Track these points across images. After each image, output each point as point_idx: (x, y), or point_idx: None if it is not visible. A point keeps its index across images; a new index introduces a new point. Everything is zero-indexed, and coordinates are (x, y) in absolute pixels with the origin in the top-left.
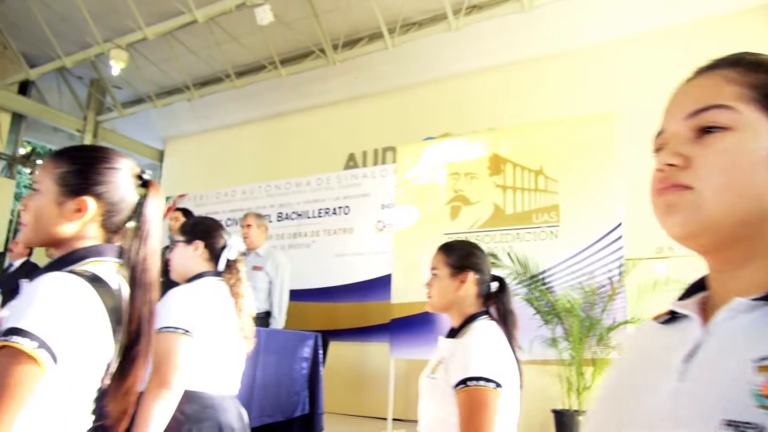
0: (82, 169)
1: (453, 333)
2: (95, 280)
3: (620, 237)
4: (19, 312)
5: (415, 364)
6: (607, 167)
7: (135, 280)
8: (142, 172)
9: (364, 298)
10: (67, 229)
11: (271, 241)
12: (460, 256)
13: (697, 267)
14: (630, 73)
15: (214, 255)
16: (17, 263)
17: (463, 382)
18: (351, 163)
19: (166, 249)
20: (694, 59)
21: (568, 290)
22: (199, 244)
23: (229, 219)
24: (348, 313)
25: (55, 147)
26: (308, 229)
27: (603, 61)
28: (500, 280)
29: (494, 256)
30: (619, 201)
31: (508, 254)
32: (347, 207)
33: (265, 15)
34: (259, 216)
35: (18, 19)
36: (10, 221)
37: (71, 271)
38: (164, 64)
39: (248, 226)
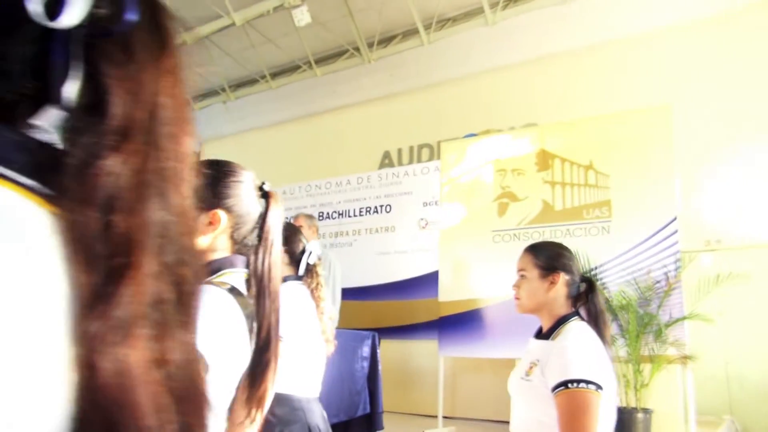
0: (212, 183)
1: (544, 334)
2: (234, 291)
3: (675, 231)
4: None
5: (463, 361)
6: (659, 160)
7: (262, 290)
8: (263, 183)
9: (409, 296)
10: (201, 241)
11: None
12: (550, 257)
13: (751, 259)
14: (678, 63)
15: (294, 259)
16: None
17: (564, 384)
18: (386, 161)
19: None
20: (746, 48)
21: (623, 286)
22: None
23: None
24: (393, 311)
25: None
26: (349, 228)
27: (649, 51)
28: (589, 280)
29: None
30: (673, 195)
31: None
32: (389, 205)
33: (302, 16)
34: (309, 216)
35: None
36: None
37: (210, 283)
38: (200, 67)
39: (300, 226)
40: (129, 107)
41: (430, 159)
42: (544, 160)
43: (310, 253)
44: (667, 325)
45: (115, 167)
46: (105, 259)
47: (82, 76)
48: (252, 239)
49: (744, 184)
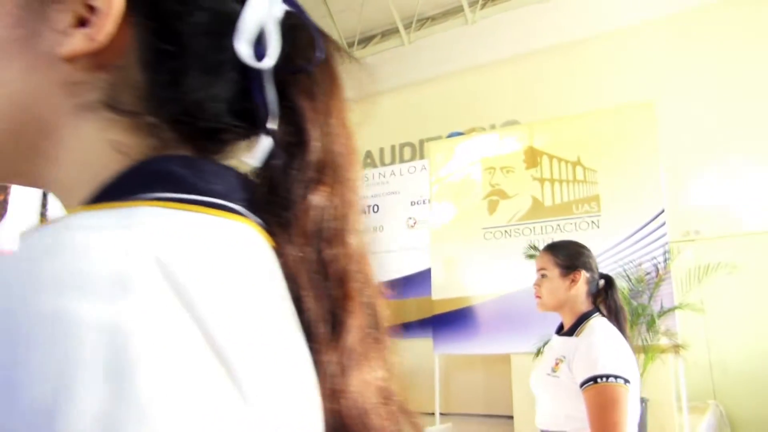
0: None
1: (567, 331)
2: None
3: (663, 223)
4: None
5: (456, 358)
6: (645, 154)
7: None
8: None
9: (400, 295)
10: None
11: None
12: (570, 256)
13: (733, 247)
14: (662, 57)
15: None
16: None
17: (593, 379)
18: (368, 160)
19: None
20: (729, 41)
21: (614, 279)
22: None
23: None
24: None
25: None
26: None
27: (631, 46)
28: (608, 277)
29: (535, 248)
30: (659, 187)
31: None
32: (376, 205)
33: None
34: None
35: None
36: None
37: None
38: None
39: None
40: (324, 140)
41: (413, 158)
42: (533, 157)
43: None
44: (660, 315)
45: (321, 201)
46: (327, 291)
47: (281, 113)
48: None
49: (730, 175)
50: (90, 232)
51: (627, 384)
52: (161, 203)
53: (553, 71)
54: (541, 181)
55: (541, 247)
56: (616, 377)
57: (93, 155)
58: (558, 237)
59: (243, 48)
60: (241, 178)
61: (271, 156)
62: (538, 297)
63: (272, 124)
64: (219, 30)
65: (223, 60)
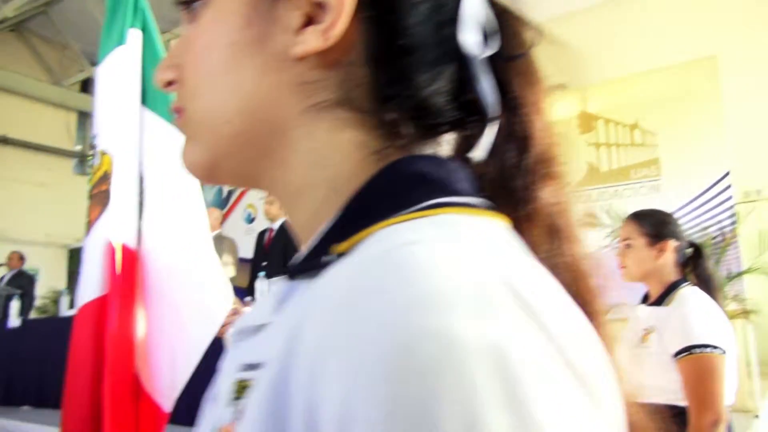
0: None
1: (655, 301)
2: None
3: (729, 186)
4: None
5: None
6: (708, 114)
7: None
8: None
9: None
10: None
11: None
12: (657, 225)
13: None
14: (725, 9)
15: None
16: None
17: (688, 349)
18: None
19: (264, 233)
20: None
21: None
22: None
23: None
24: None
25: None
26: None
27: (692, 1)
28: (696, 245)
29: (592, 215)
30: (724, 148)
31: (607, 212)
32: None
33: None
34: None
35: (76, 17)
36: None
37: None
38: None
39: None
40: (545, 130)
41: None
42: (587, 122)
43: None
44: (728, 280)
45: (553, 195)
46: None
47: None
48: None
49: None
50: (427, 247)
51: (723, 354)
52: (452, 209)
53: (606, 30)
54: (597, 146)
55: (599, 214)
56: (712, 347)
57: (326, 156)
58: (616, 203)
59: (467, 37)
60: (466, 170)
61: (495, 149)
62: (623, 267)
63: (494, 115)
64: (440, 21)
65: (445, 51)
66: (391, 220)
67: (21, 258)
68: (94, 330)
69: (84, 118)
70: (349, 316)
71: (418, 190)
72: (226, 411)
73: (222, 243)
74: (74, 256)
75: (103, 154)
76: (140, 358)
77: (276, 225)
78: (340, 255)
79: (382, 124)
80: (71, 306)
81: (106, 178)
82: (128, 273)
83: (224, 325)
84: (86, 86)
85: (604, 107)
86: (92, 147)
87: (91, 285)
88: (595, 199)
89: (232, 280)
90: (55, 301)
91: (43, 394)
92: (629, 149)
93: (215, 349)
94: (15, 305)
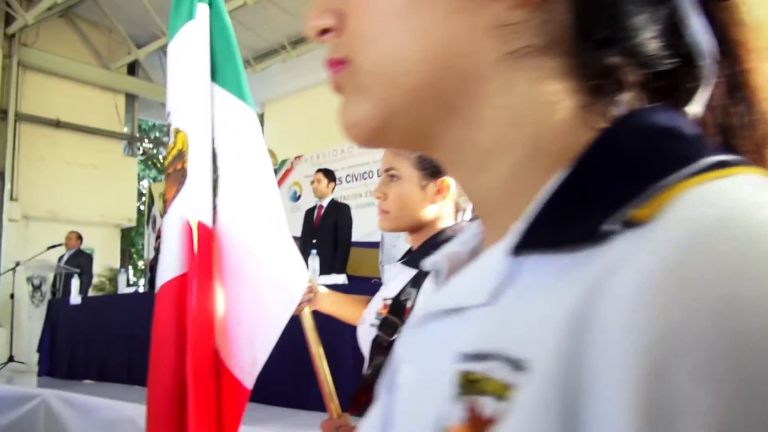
0: None
1: None
2: None
3: None
4: None
5: None
6: None
7: None
8: None
9: None
10: (430, 211)
11: None
12: None
13: None
14: None
15: None
16: None
17: None
18: None
19: (312, 210)
20: None
21: None
22: None
23: (348, 175)
24: None
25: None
26: None
27: None
28: None
29: None
30: None
31: None
32: None
33: None
34: None
35: (122, 1)
36: (141, 195)
37: None
38: (259, 27)
39: None
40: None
41: None
42: None
43: None
44: None
45: None
46: None
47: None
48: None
49: None
50: None
51: None
52: (744, 169)
53: None
54: None
55: None
56: None
57: (526, 112)
58: None
59: None
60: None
61: (712, 103)
62: None
63: (711, 63)
64: None
65: None
66: (690, 180)
67: (79, 237)
68: (175, 308)
69: (131, 100)
70: (714, 305)
71: (687, 147)
72: (452, 408)
73: None
74: (126, 236)
75: (178, 131)
76: (219, 335)
77: (325, 202)
78: (629, 224)
79: (593, 73)
80: (128, 284)
81: (181, 156)
82: (205, 251)
83: (300, 303)
84: (133, 69)
85: None
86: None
87: (171, 263)
88: None
89: None
90: (111, 279)
91: (104, 369)
92: None
93: (290, 327)
94: (75, 283)
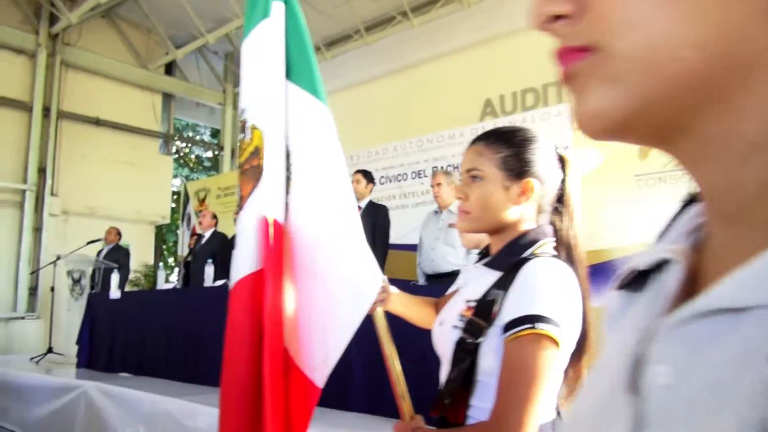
0: (520, 151)
1: None
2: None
3: None
4: (525, 299)
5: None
6: None
7: (571, 258)
8: (556, 148)
9: None
10: (513, 213)
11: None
12: None
13: None
14: None
15: None
16: (207, 234)
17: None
18: (488, 108)
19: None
20: None
21: None
22: None
23: (383, 177)
24: None
25: (200, 122)
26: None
27: None
28: None
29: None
30: None
31: None
32: None
33: None
34: (448, 173)
35: (162, 2)
36: (174, 193)
37: (535, 255)
38: None
39: (438, 184)
40: None
41: (536, 104)
42: None
43: None
44: None
45: None
46: None
47: None
48: (552, 206)
49: None
50: None
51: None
52: None
53: None
54: None
55: None
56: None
57: None
58: None
59: None
60: None
61: None
62: None
63: None
64: None
65: None
66: None
67: (118, 233)
68: (251, 304)
69: (168, 99)
70: None
71: None
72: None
73: None
74: (160, 233)
75: (254, 128)
76: (288, 333)
77: (363, 203)
78: None
79: None
80: (167, 280)
81: (257, 153)
82: (278, 248)
83: (374, 303)
84: (170, 69)
85: None
86: (241, 123)
87: (247, 259)
88: None
89: None
90: (146, 275)
91: (141, 363)
92: None
93: (362, 326)
94: (115, 278)
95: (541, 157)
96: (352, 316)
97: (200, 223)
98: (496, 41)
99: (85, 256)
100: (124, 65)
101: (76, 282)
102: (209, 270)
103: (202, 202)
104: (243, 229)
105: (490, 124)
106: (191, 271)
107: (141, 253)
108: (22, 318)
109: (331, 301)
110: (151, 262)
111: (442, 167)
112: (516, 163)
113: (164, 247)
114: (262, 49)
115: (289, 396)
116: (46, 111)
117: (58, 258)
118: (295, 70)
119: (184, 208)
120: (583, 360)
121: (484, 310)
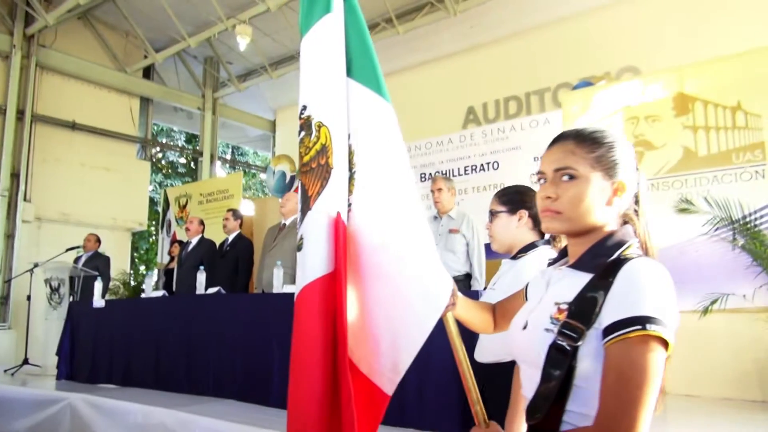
0: (612, 151)
1: None
2: None
3: None
4: (631, 300)
5: None
6: None
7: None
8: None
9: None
10: (604, 213)
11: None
12: None
13: None
14: None
15: (537, 223)
16: (195, 240)
17: None
18: (471, 116)
19: None
20: None
21: None
22: (524, 213)
23: None
24: None
25: (177, 127)
26: (457, 188)
27: None
28: None
29: (689, 201)
30: None
31: (705, 198)
32: (496, 162)
33: None
34: (447, 179)
35: (140, 4)
36: (151, 199)
37: (629, 257)
38: (277, 34)
39: (439, 190)
40: None
41: (519, 112)
42: (683, 104)
43: None
44: None
45: None
46: None
47: None
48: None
49: None
50: None
51: None
52: None
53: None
54: (694, 129)
55: (696, 200)
56: None
57: None
58: (715, 189)
59: None
60: None
61: None
62: None
63: None
64: None
65: None
66: None
67: (98, 240)
68: (323, 308)
69: (146, 104)
70: None
71: None
72: None
73: None
74: (136, 240)
75: (321, 125)
76: (351, 338)
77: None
78: None
79: None
80: (156, 287)
81: (324, 151)
82: (344, 250)
83: (446, 306)
84: (148, 73)
85: (703, 89)
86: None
87: (317, 262)
88: (692, 184)
89: None
90: (125, 283)
91: (129, 374)
92: (731, 132)
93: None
94: (98, 286)
95: (628, 158)
96: (425, 321)
97: (187, 230)
98: (479, 49)
99: (63, 264)
100: (101, 68)
101: (55, 290)
102: (201, 277)
103: (183, 208)
104: (311, 230)
105: (476, 132)
106: (178, 278)
107: (117, 261)
108: None
109: (401, 305)
110: (128, 269)
111: (431, 174)
112: (609, 163)
113: (135, 255)
114: (324, 44)
115: (357, 402)
116: (20, 114)
117: (36, 265)
118: (356, 66)
119: (164, 214)
120: None
121: (582, 313)
